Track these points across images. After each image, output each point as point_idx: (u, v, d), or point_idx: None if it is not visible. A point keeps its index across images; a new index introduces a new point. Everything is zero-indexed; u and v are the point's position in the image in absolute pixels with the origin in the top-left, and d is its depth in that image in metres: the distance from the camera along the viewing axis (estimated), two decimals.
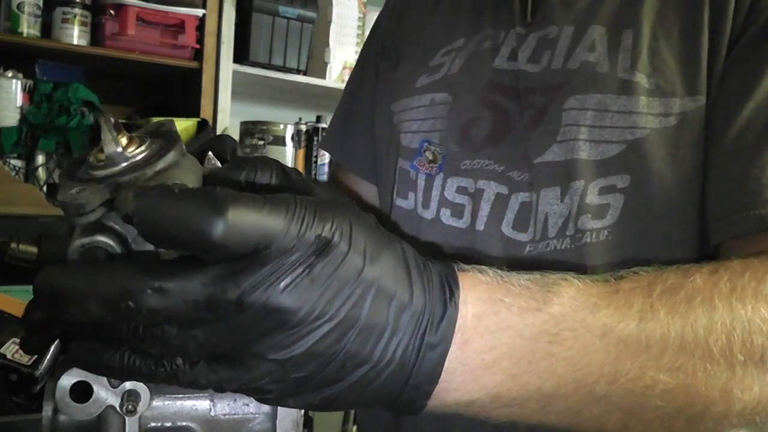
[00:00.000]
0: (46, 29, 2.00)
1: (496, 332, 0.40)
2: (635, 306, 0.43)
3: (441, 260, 0.42)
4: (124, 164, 0.36)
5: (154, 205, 0.32)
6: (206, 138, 2.06)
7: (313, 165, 2.45)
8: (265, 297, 0.32)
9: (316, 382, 0.36)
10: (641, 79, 0.58)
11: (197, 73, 2.16)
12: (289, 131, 2.36)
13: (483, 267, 0.43)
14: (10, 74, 1.98)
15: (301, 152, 2.42)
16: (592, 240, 0.59)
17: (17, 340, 0.93)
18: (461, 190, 0.66)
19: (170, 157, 0.36)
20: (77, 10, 1.99)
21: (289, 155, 2.35)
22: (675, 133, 0.57)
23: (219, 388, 0.36)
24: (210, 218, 0.31)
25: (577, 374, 0.41)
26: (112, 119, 0.37)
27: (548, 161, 0.61)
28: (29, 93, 2.02)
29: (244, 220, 0.32)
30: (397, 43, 0.81)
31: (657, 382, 0.42)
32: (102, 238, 0.36)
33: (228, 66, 2.20)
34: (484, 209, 0.64)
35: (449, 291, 0.39)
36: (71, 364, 0.39)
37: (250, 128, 2.33)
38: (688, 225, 0.58)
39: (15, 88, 1.98)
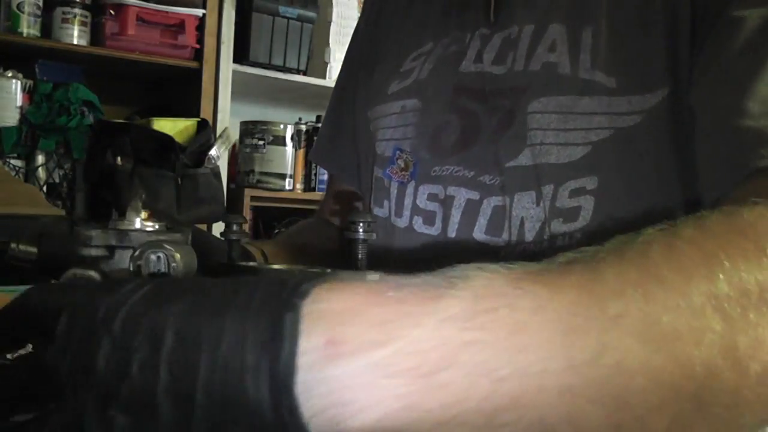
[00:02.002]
0: (46, 29, 2.00)
1: (380, 326, 0.31)
2: (575, 273, 0.34)
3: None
4: (137, 227, 0.45)
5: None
6: (206, 138, 2.06)
7: (313, 165, 2.45)
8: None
9: (198, 415, 0.31)
10: (603, 78, 0.57)
11: (197, 73, 2.16)
12: (289, 131, 2.36)
13: (375, 272, 0.36)
14: (10, 74, 1.98)
15: (301, 152, 2.42)
16: (565, 243, 0.58)
17: None
18: (432, 197, 0.66)
19: (173, 236, 0.45)
20: (77, 10, 1.99)
21: (288, 155, 2.35)
22: (640, 131, 0.57)
23: None
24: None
25: (516, 365, 0.31)
26: (142, 198, 0.47)
27: (520, 165, 0.60)
28: (29, 93, 2.02)
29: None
30: (373, 50, 0.80)
31: (628, 352, 0.32)
32: (92, 274, 0.42)
33: (228, 66, 2.20)
34: (455, 216, 0.63)
35: (287, 298, 0.32)
36: None
37: (250, 128, 2.33)
38: (660, 223, 0.56)
39: (15, 88, 1.98)
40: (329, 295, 0.32)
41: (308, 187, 2.47)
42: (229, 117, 2.22)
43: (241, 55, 2.24)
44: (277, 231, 2.48)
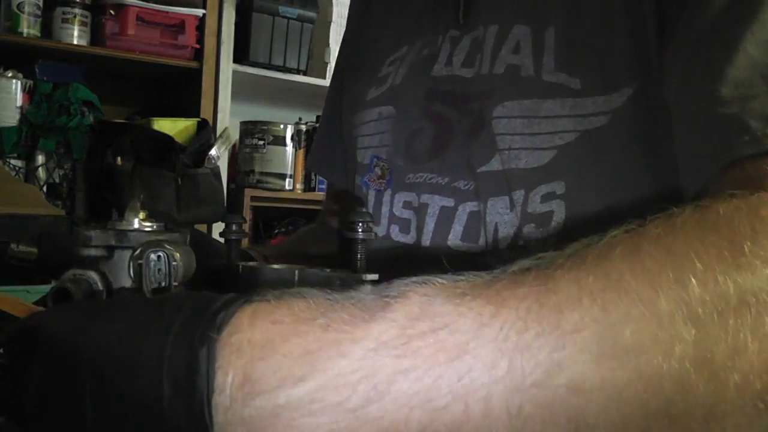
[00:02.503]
0: (46, 29, 2.00)
1: (302, 358, 0.30)
2: (526, 284, 0.32)
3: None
4: (136, 227, 0.45)
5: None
6: (206, 138, 2.06)
7: None
8: None
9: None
10: (567, 79, 0.56)
11: (197, 73, 2.16)
12: (289, 131, 2.36)
13: (308, 290, 0.33)
14: (10, 74, 1.98)
15: (301, 152, 2.41)
16: (539, 249, 0.56)
17: None
18: (407, 205, 0.65)
19: (172, 236, 0.45)
20: (77, 10, 1.99)
21: (288, 155, 2.35)
22: (607, 132, 0.55)
23: None
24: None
25: (457, 393, 0.29)
26: (141, 199, 0.47)
27: (491, 171, 0.59)
28: (29, 93, 2.02)
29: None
30: (357, 55, 0.80)
31: (584, 369, 0.29)
32: (92, 274, 0.43)
33: (228, 66, 2.20)
34: (429, 224, 0.62)
35: (202, 331, 0.30)
36: None
37: (250, 128, 2.33)
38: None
39: (15, 88, 1.98)
40: (251, 323, 0.31)
41: (308, 187, 2.47)
42: (229, 117, 2.22)
43: (241, 55, 2.24)
44: (276, 231, 2.48)
